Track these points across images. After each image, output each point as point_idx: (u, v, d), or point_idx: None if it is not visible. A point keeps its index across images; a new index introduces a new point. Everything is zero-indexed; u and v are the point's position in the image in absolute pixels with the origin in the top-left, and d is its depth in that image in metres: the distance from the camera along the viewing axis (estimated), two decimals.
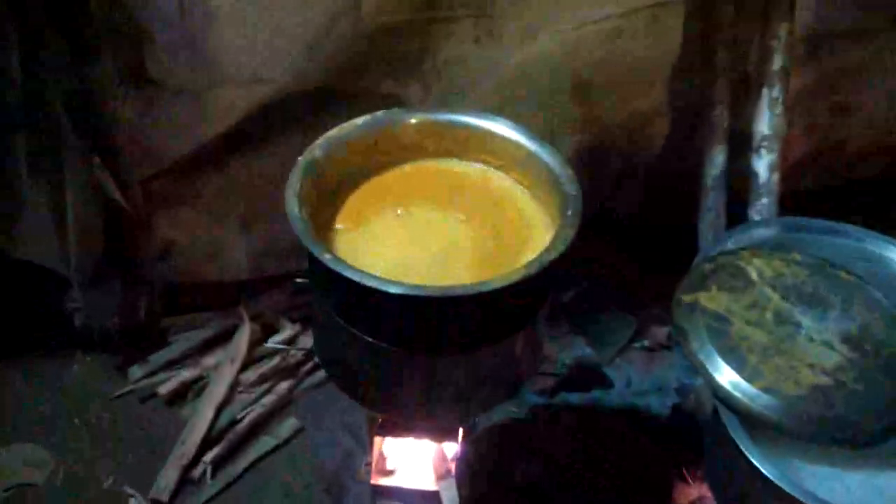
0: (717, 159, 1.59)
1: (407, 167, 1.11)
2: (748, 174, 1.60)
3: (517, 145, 1.06)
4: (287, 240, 1.64)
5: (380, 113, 1.08)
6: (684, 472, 1.42)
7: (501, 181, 1.10)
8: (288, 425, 1.57)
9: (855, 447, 0.98)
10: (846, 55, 1.71)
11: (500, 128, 1.08)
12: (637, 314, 1.80)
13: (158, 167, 1.50)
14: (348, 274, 0.86)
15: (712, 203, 1.61)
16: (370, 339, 0.91)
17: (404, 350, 0.91)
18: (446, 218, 1.05)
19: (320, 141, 1.02)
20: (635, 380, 1.70)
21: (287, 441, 1.55)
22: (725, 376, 1.03)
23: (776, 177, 1.58)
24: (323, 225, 1.04)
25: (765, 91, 1.55)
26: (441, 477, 1.10)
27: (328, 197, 1.07)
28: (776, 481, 0.94)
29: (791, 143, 1.77)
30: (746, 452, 0.98)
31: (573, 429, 1.57)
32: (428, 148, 1.11)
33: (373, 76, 1.48)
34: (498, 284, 0.85)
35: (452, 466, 1.11)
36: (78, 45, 1.29)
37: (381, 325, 0.91)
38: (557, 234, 0.92)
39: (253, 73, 1.41)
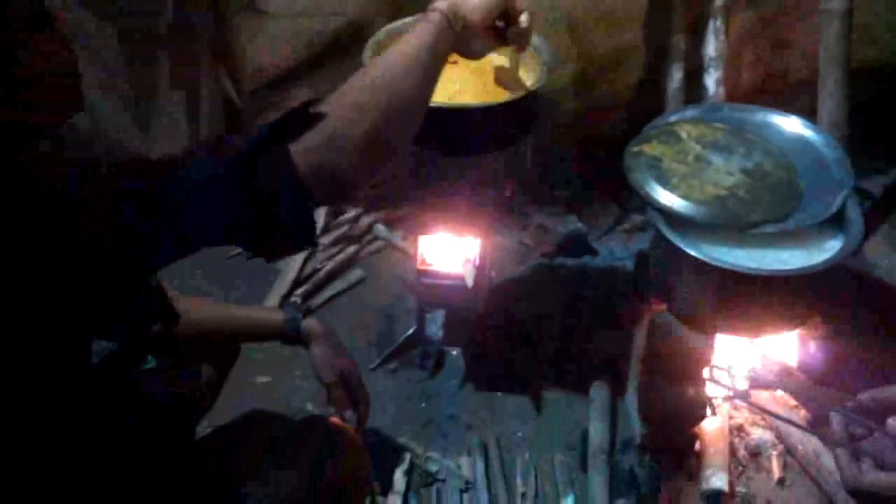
0: (676, 76, 2.10)
1: None
2: (701, 91, 2.11)
3: None
4: None
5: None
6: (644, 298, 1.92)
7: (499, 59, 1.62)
8: (354, 275, 2.12)
9: (741, 230, 1.49)
10: None
11: None
12: (620, 204, 2.32)
13: (261, 80, 2.05)
14: None
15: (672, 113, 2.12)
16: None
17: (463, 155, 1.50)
18: (467, 78, 1.56)
19: (382, 30, 1.57)
20: (617, 251, 2.21)
21: (354, 285, 2.10)
22: (658, 193, 1.54)
23: (721, 90, 2.09)
24: None
25: (710, 22, 2.06)
26: (463, 264, 1.63)
27: None
28: (691, 252, 1.45)
29: (742, 73, 2.26)
30: (671, 238, 1.48)
31: (566, 281, 2.09)
32: None
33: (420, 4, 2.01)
34: (513, 97, 1.43)
35: (471, 256, 1.64)
36: None
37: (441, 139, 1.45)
38: (539, 78, 1.49)
39: (331, 8, 1.97)
